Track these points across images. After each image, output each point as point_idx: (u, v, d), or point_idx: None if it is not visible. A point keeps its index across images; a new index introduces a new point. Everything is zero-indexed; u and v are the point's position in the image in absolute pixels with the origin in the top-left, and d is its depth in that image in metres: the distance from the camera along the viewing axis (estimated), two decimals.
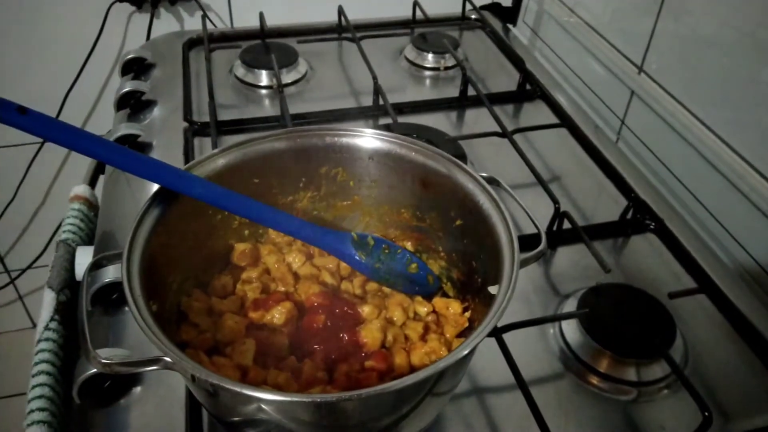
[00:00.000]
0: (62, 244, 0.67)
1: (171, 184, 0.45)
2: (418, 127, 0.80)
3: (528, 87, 0.92)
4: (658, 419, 0.54)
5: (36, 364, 0.57)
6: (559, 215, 0.68)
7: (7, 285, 1.46)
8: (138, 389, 0.53)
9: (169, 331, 0.41)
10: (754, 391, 0.57)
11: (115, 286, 0.59)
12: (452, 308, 0.51)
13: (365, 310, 0.50)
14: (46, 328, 0.59)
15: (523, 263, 0.45)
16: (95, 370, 0.51)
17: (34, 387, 0.55)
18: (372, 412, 0.41)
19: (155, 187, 0.46)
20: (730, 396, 0.56)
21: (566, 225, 0.68)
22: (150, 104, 0.88)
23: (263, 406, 0.38)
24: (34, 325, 1.57)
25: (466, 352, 0.38)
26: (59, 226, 0.76)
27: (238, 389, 0.36)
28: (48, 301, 0.61)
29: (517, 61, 0.98)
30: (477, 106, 0.88)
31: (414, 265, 0.54)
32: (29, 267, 1.41)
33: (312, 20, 1.05)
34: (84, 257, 0.64)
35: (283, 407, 0.38)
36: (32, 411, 0.53)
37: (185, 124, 0.83)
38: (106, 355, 0.50)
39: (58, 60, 1.14)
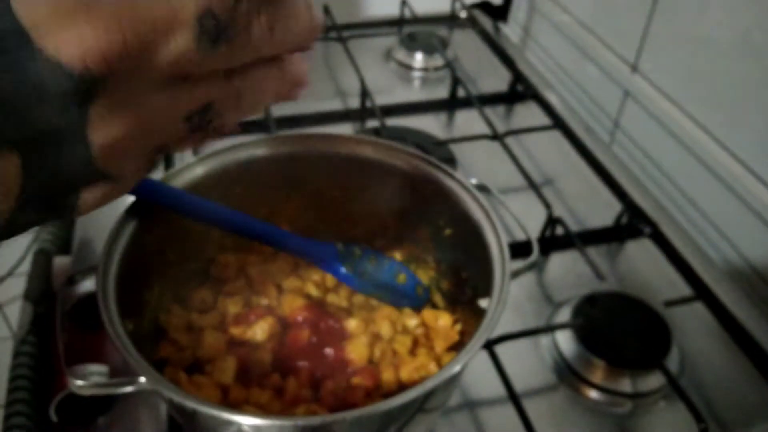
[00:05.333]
0: (40, 254, 0.66)
1: (146, 195, 0.43)
2: (406, 130, 0.79)
3: (519, 88, 0.90)
4: (654, 431, 0.53)
5: (13, 379, 0.55)
6: (551, 221, 0.66)
7: None
8: (117, 408, 0.51)
9: (147, 349, 0.39)
10: (751, 402, 0.55)
11: (94, 297, 0.57)
12: (442, 321, 0.50)
13: (351, 324, 0.48)
14: (23, 341, 0.58)
15: (515, 274, 0.44)
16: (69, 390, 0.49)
17: (11, 403, 0.54)
18: None
19: (131, 197, 0.44)
20: (727, 406, 0.55)
21: (559, 230, 0.67)
22: None
23: (244, 428, 0.37)
24: (13, 334, 1.54)
25: (455, 369, 0.37)
26: (37, 233, 0.74)
27: (215, 413, 0.34)
28: (26, 313, 0.60)
29: (508, 61, 0.96)
30: (467, 107, 0.86)
31: (402, 276, 0.52)
32: (9, 275, 1.39)
33: None
34: (61, 268, 0.63)
35: (265, 430, 0.37)
36: (11, 428, 0.52)
37: None
38: (84, 371, 0.48)
39: None
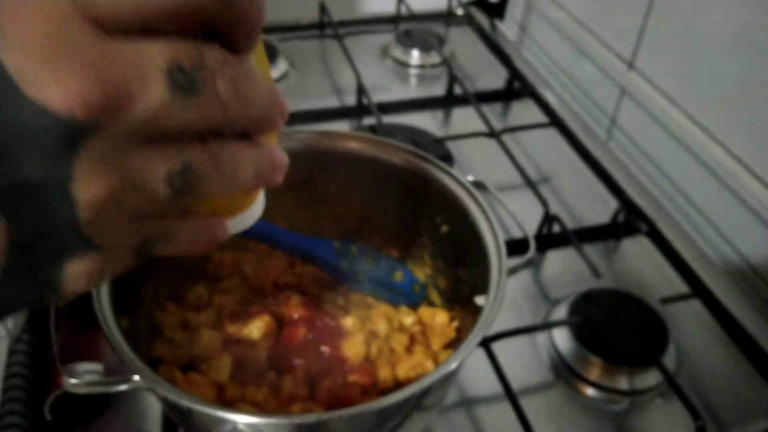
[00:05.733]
0: None
1: None
2: (403, 128, 0.78)
3: (516, 85, 0.90)
4: (651, 428, 0.53)
5: (8, 378, 0.55)
6: (548, 218, 0.66)
7: None
8: (112, 406, 0.51)
9: (142, 347, 0.39)
10: (748, 399, 0.55)
11: (89, 295, 0.57)
12: (439, 318, 0.50)
13: (348, 321, 0.48)
14: (18, 340, 0.57)
15: (511, 271, 0.44)
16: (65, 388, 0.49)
17: (5, 402, 0.53)
18: (355, 430, 0.39)
19: None
20: (724, 404, 0.55)
21: (556, 228, 0.67)
22: None
23: (239, 427, 0.36)
24: (8, 333, 1.54)
25: (452, 367, 0.37)
26: None
27: (210, 411, 0.34)
28: (20, 312, 0.59)
29: (504, 59, 0.96)
30: (464, 105, 0.86)
31: (399, 274, 0.52)
32: None
33: (293, 17, 1.02)
34: None
35: (260, 428, 0.37)
36: (5, 427, 0.51)
37: None
38: (78, 371, 0.48)
39: None
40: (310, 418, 0.36)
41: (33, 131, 0.18)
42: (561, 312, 0.59)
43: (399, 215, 0.53)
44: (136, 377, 0.36)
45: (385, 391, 0.44)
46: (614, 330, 0.57)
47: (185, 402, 0.34)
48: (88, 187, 0.20)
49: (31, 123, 0.18)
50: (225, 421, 0.36)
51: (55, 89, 0.18)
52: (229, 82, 0.21)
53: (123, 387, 0.37)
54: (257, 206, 0.28)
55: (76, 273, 0.22)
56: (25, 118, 0.18)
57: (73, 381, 0.38)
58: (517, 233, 0.65)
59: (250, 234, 0.47)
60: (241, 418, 0.34)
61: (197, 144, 0.22)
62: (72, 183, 0.19)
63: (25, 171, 0.19)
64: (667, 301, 0.61)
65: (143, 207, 0.22)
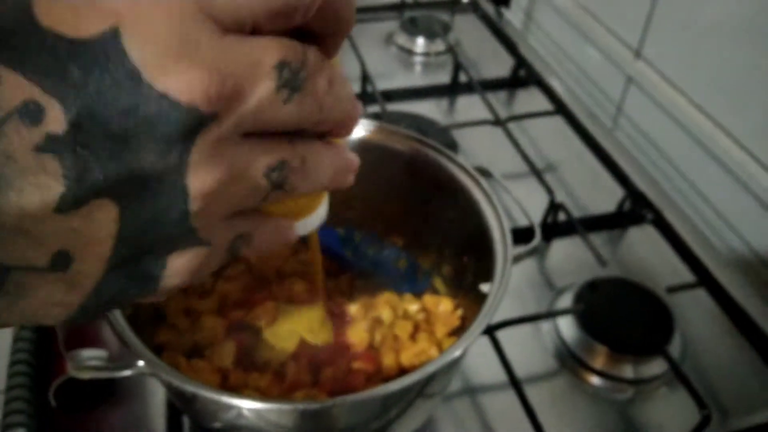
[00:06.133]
0: None
1: None
2: (408, 115, 0.78)
3: (522, 73, 0.89)
4: (656, 417, 0.53)
5: (13, 364, 0.55)
6: (553, 207, 0.66)
7: None
8: (117, 393, 0.51)
9: (145, 333, 0.39)
10: (753, 388, 0.55)
11: None
12: (443, 306, 0.49)
13: (352, 309, 0.48)
14: (23, 327, 0.57)
15: (516, 259, 0.44)
16: (68, 374, 0.49)
17: (11, 389, 0.53)
18: (359, 416, 0.39)
19: None
20: (729, 392, 0.54)
21: (561, 216, 0.66)
22: None
23: (244, 412, 0.36)
24: None
25: (456, 354, 0.37)
26: None
27: (214, 396, 0.34)
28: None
29: (510, 47, 0.95)
30: (469, 92, 0.85)
31: (403, 261, 0.52)
32: None
33: None
34: None
35: (264, 414, 0.37)
36: (11, 413, 0.51)
37: None
38: (82, 357, 0.48)
39: None
40: (314, 404, 0.36)
41: (155, 120, 0.19)
42: (566, 300, 0.59)
43: (403, 203, 0.53)
44: (141, 363, 0.36)
45: (389, 379, 0.44)
46: (619, 318, 0.57)
47: (189, 387, 0.34)
48: (201, 177, 0.20)
49: (154, 111, 0.18)
50: (229, 406, 0.36)
51: (179, 79, 0.19)
52: (326, 83, 0.22)
53: (127, 372, 0.37)
54: (322, 209, 0.29)
55: (178, 268, 0.22)
56: (148, 106, 0.18)
57: (78, 366, 0.38)
58: (522, 222, 0.65)
59: None
60: (245, 404, 0.34)
61: (288, 142, 0.23)
62: (187, 172, 0.20)
63: (143, 159, 0.19)
64: (672, 289, 0.60)
65: (242, 201, 0.22)
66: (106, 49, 0.18)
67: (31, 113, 0.17)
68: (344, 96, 0.24)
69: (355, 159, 0.27)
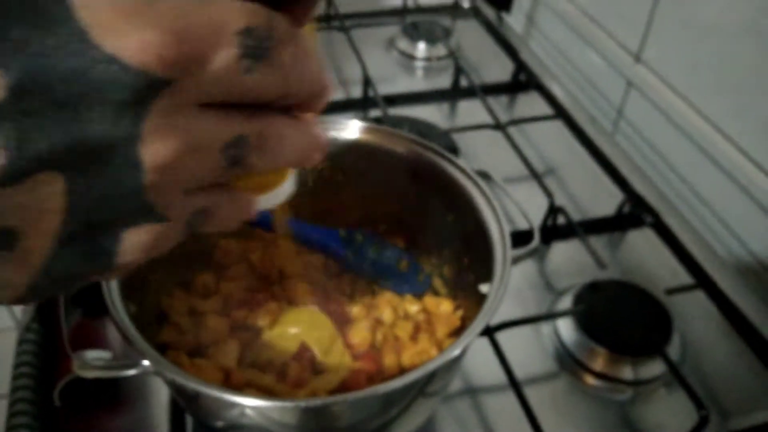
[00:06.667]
0: None
1: None
2: (409, 119, 0.79)
3: (522, 77, 0.90)
4: (655, 418, 0.53)
5: (17, 366, 0.55)
6: (553, 210, 0.66)
7: None
8: (120, 394, 0.51)
9: (149, 333, 0.40)
10: (751, 389, 0.56)
11: (97, 283, 0.57)
12: (443, 307, 0.50)
13: (354, 309, 0.48)
14: (28, 329, 0.58)
15: (515, 260, 0.44)
16: (74, 374, 0.49)
17: (16, 390, 0.54)
18: (360, 415, 0.40)
19: None
20: (728, 393, 0.55)
21: (561, 219, 0.67)
22: None
23: (246, 410, 0.37)
24: (17, 324, 1.54)
25: (455, 353, 0.37)
26: None
27: (218, 394, 0.35)
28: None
29: (511, 51, 0.96)
30: (470, 97, 0.86)
31: (404, 263, 0.53)
32: None
33: None
34: None
35: (267, 412, 0.37)
36: (15, 414, 0.52)
37: None
38: (87, 357, 0.49)
39: None
40: (316, 401, 0.36)
41: (103, 84, 0.17)
42: (566, 302, 0.59)
43: (404, 204, 0.53)
44: (145, 362, 0.37)
45: (390, 378, 0.44)
46: (619, 320, 0.57)
47: (193, 385, 0.35)
48: (156, 148, 0.19)
49: (102, 75, 0.17)
50: (232, 404, 0.36)
51: (131, 40, 0.17)
52: (293, 54, 0.21)
53: (132, 371, 0.38)
54: (288, 184, 0.28)
55: (133, 244, 0.21)
56: (96, 70, 0.17)
57: (84, 365, 0.38)
58: (522, 225, 0.65)
59: (257, 222, 0.48)
60: (248, 402, 0.35)
61: (249, 116, 0.21)
62: (139, 143, 0.18)
63: (91, 128, 0.18)
64: (671, 292, 0.61)
65: (199, 176, 0.21)
66: (50, 7, 0.17)
67: None
68: (312, 70, 0.22)
69: (323, 137, 0.25)
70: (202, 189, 0.22)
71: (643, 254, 0.67)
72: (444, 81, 0.90)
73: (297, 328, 0.47)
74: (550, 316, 0.59)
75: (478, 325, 0.38)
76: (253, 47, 0.19)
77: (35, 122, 0.17)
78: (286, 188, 0.28)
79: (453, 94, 0.88)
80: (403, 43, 0.97)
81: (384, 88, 0.83)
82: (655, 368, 0.55)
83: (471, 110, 0.85)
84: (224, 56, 0.19)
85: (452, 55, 0.90)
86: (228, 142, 0.21)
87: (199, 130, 0.20)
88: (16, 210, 0.18)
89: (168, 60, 0.18)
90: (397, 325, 0.49)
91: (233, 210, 0.24)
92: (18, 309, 1.52)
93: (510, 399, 0.52)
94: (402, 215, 0.54)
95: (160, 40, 0.17)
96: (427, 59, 0.95)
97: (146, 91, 0.18)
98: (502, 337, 0.55)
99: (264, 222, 0.47)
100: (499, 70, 0.93)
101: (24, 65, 0.16)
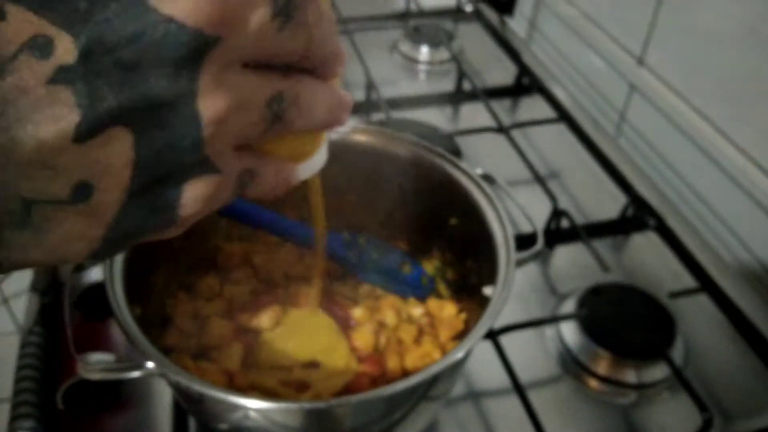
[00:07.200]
0: None
1: None
2: (412, 123, 0.79)
3: (525, 81, 0.90)
4: (658, 422, 0.53)
5: (21, 368, 0.56)
6: (557, 213, 0.66)
7: None
8: (123, 396, 0.51)
9: (153, 336, 0.40)
10: (755, 392, 0.55)
11: (100, 287, 0.57)
12: (447, 310, 0.50)
13: (357, 312, 0.48)
14: (30, 332, 0.58)
15: (519, 263, 0.44)
16: (79, 376, 0.49)
17: (18, 393, 0.54)
18: (363, 417, 0.40)
19: None
20: (731, 397, 0.55)
21: (564, 223, 0.67)
22: None
23: (250, 413, 0.37)
24: (19, 329, 1.54)
25: (459, 356, 0.37)
26: None
27: (222, 396, 0.35)
28: (32, 304, 0.60)
29: (513, 54, 0.96)
30: (473, 100, 0.86)
31: (407, 266, 0.53)
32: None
33: None
34: None
35: (270, 414, 0.37)
36: (18, 417, 0.52)
37: None
38: (91, 360, 0.49)
39: None
40: (320, 404, 0.36)
41: (162, 44, 0.19)
42: (569, 306, 0.59)
43: (408, 208, 0.54)
44: (150, 364, 0.37)
45: (393, 381, 0.44)
46: (622, 324, 0.57)
47: (197, 388, 0.35)
48: (212, 103, 0.20)
49: (161, 36, 0.19)
50: (236, 406, 0.36)
51: (184, 3, 0.19)
52: (316, 15, 0.22)
53: (136, 373, 0.38)
54: (322, 153, 0.30)
55: (193, 196, 0.22)
56: (156, 31, 0.19)
57: (89, 367, 0.38)
58: (525, 228, 0.65)
59: (260, 225, 0.48)
60: (252, 404, 0.35)
61: (283, 75, 0.23)
62: (198, 98, 0.20)
63: (154, 85, 0.19)
64: (675, 295, 0.61)
65: (246, 131, 0.22)
66: None
67: (41, 46, 0.18)
68: (331, 32, 0.24)
69: (348, 96, 0.26)
70: (251, 149, 0.24)
71: (647, 258, 0.67)
72: (447, 84, 0.90)
73: (300, 331, 0.47)
74: (554, 319, 0.59)
75: (482, 328, 0.38)
76: (283, 6, 0.21)
77: (104, 82, 0.18)
78: (321, 156, 0.30)
79: (456, 98, 0.88)
80: (406, 47, 0.97)
81: (387, 92, 0.83)
82: (658, 372, 0.55)
83: (474, 113, 0.85)
84: (260, 14, 0.20)
85: (455, 58, 0.90)
86: (269, 97, 0.22)
87: (244, 86, 0.21)
88: (90, 164, 0.19)
89: (215, 20, 0.19)
90: (400, 328, 0.49)
91: (276, 175, 0.26)
92: (20, 313, 1.52)
93: (513, 403, 0.51)
94: (405, 218, 0.54)
95: (208, 1, 0.19)
96: (430, 63, 0.96)
97: (201, 48, 0.19)
98: (505, 340, 0.55)
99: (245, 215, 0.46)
100: (502, 73, 0.93)
101: (91, 31, 0.18)
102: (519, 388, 0.52)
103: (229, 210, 0.45)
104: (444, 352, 0.47)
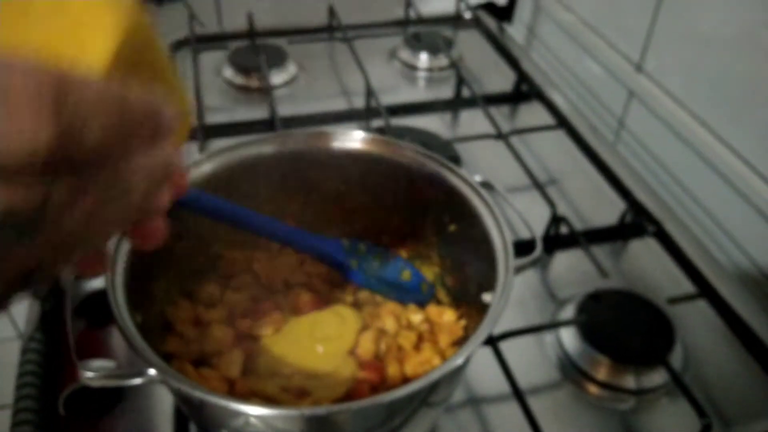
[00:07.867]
0: None
1: None
2: (411, 130, 0.79)
3: (524, 87, 0.91)
4: (658, 427, 0.53)
5: (21, 375, 0.56)
6: (556, 219, 0.67)
7: None
8: (124, 402, 0.52)
9: (154, 342, 0.40)
10: (754, 397, 0.56)
11: (101, 294, 0.57)
12: (446, 316, 0.50)
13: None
14: (31, 338, 0.58)
15: (518, 270, 0.44)
16: (80, 383, 0.49)
17: (19, 399, 0.54)
18: (364, 424, 0.40)
19: None
20: (730, 402, 0.55)
21: (563, 229, 0.67)
22: None
23: (251, 419, 0.37)
24: (19, 335, 1.54)
25: (458, 362, 0.37)
26: None
27: (223, 403, 0.35)
28: (33, 310, 0.60)
29: (512, 61, 0.96)
30: (472, 107, 0.87)
31: (407, 273, 0.53)
32: None
33: (302, 20, 1.03)
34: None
35: (271, 421, 0.37)
36: (19, 424, 0.52)
37: None
38: (92, 366, 0.49)
39: None
40: (320, 410, 0.36)
41: None
42: (568, 312, 0.59)
43: (407, 214, 0.54)
44: (151, 370, 0.37)
45: (393, 388, 0.45)
46: (621, 329, 0.57)
47: (198, 394, 0.35)
48: None
49: None
50: (237, 413, 0.36)
51: None
52: (90, 206, 0.22)
53: (138, 380, 0.38)
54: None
55: None
56: None
57: (90, 374, 0.38)
58: (524, 235, 0.65)
59: (261, 232, 0.48)
60: (252, 410, 0.35)
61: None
62: None
63: None
64: (673, 301, 0.61)
65: None
66: None
67: None
68: (123, 206, 0.24)
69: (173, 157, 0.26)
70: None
71: (646, 263, 0.67)
72: (446, 91, 0.91)
73: (301, 337, 0.47)
74: (553, 325, 0.59)
75: (481, 334, 0.38)
76: (18, 225, 0.20)
77: None
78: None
79: (455, 104, 0.89)
80: (405, 54, 0.97)
81: (386, 99, 0.84)
82: (657, 377, 0.55)
83: (473, 120, 0.85)
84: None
85: (454, 65, 0.90)
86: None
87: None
88: None
89: None
90: (400, 334, 0.49)
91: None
92: (21, 319, 1.52)
93: (513, 409, 0.52)
94: (405, 225, 0.54)
95: None
96: (429, 70, 0.96)
97: None
98: (505, 346, 0.55)
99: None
100: (501, 80, 0.94)
101: None
102: (519, 394, 0.52)
103: (193, 203, 0.44)
104: (444, 358, 0.48)
